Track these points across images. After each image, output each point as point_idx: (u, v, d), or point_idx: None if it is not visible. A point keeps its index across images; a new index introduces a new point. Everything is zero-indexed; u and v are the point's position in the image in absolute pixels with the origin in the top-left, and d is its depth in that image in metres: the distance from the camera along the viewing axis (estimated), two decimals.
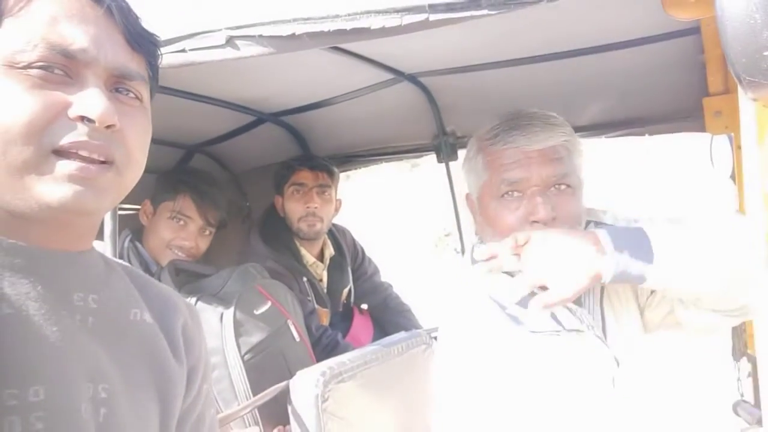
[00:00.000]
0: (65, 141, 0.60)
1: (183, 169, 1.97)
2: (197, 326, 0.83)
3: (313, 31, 0.82)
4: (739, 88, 0.57)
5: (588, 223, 1.14)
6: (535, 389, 1.01)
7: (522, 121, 1.10)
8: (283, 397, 1.38)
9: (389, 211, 9.84)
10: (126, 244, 1.72)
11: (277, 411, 1.41)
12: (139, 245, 1.73)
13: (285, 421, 1.41)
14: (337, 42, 0.85)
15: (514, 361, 1.03)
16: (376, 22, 0.78)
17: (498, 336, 1.05)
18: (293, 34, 0.83)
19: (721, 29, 0.48)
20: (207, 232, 1.80)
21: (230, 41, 0.89)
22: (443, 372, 1.16)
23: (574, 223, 1.06)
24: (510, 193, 1.07)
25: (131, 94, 0.67)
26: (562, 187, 1.06)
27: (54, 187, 0.60)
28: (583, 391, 1.01)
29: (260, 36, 0.86)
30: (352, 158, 2.39)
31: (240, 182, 2.45)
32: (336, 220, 2.33)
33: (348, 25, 0.79)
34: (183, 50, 0.93)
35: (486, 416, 1.03)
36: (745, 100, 0.60)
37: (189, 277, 1.62)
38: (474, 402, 1.05)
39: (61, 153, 0.60)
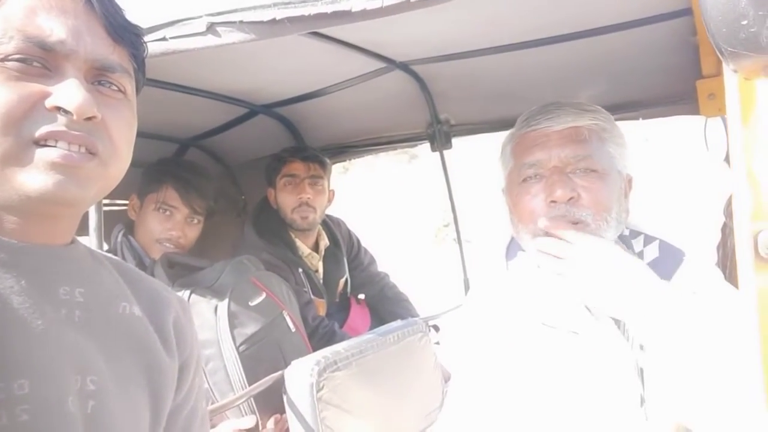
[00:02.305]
0: (43, 131, 0.59)
1: (166, 160, 1.96)
2: (188, 320, 0.83)
3: (294, 16, 0.81)
4: (723, 62, 0.56)
5: (638, 234, 1.10)
6: (547, 387, 0.97)
7: (551, 107, 1.06)
8: (280, 387, 1.39)
9: (389, 203, 9.83)
10: (119, 238, 1.72)
11: (273, 400, 1.41)
12: (132, 239, 1.72)
13: (282, 411, 1.41)
14: (318, 26, 0.84)
15: (528, 355, 1.00)
16: (357, 4, 0.77)
17: (512, 327, 1.03)
18: (274, 19, 0.82)
19: None
20: (194, 221, 1.79)
21: (211, 28, 0.88)
22: (454, 363, 1.14)
23: (600, 211, 0.99)
24: (531, 176, 1.03)
25: (114, 87, 0.67)
26: (587, 170, 1.00)
27: (35, 176, 0.59)
28: (600, 400, 0.95)
29: (241, 22, 0.85)
30: (347, 149, 2.38)
31: (235, 175, 2.45)
32: (336, 212, 2.32)
33: (328, 9, 0.78)
34: (164, 38, 0.92)
35: (493, 412, 1.01)
36: (729, 74, 0.58)
37: (183, 270, 1.62)
38: (483, 396, 1.03)
39: (40, 144, 0.60)
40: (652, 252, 1.07)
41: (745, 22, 0.45)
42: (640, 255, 1.07)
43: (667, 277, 1.00)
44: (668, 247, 1.07)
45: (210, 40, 0.90)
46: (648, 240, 1.08)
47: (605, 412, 0.94)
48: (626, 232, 1.10)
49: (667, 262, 1.04)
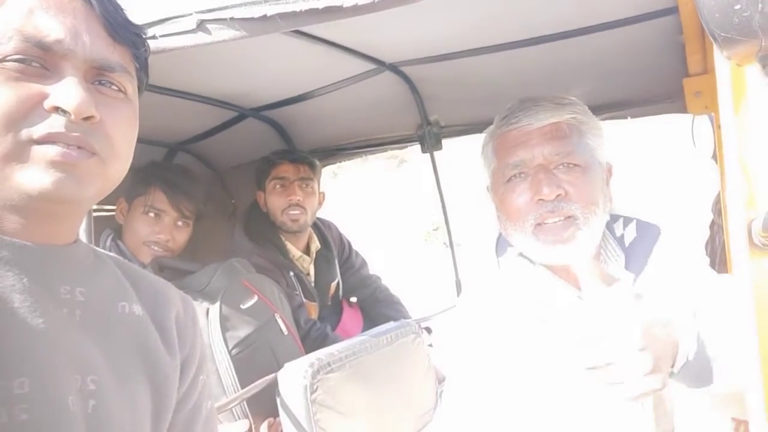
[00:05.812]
0: (42, 132, 0.59)
1: (154, 163, 1.95)
2: (190, 318, 0.83)
3: (285, 12, 0.81)
4: (715, 50, 0.56)
5: (617, 217, 1.11)
6: (544, 384, 0.98)
7: (528, 103, 1.08)
8: (272, 390, 1.37)
9: (379, 208, 9.85)
10: (108, 243, 1.69)
11: (266, 404, 1.40)
12: (120, 244, 1.70)
13: (275, 414, 1.41)
14: (309, 23, 0.84)
15: (523, 352, 1.00)
16: (348, 0, 0.77)
17: (507, 325, 1.03)
18: (264, 16, 0.82)
19: None
20: (183, 225, 1.78)
21: (201, 25, 0.87)
22: (449, 364, 1.15)
23: (587, 204, 1.01)
24: (516, 175, 1.05)
25: (114, 87, 0.66)
26: (571, 165, 1.02)
27: (34, 175, 0.59)
28: (596, 397, 0.92)
29: (231, 19, 0.84)
30: (337, 151, 2.38)
31: (225, 179, 2.43)
32: (326, 216, 2.31)
33: (320, 4, 0.78)
34: (154, 37, 0.91)
35: (491, 412, 1.01)
36: (721, 62, 0.59)
37: (173, 273, 1.61)
38: (480, 396, 1.03)
39: (39, 144, 0.59)
40: (631, 232, 1.10)
41: (738, 7, 0.45)
42: (622, 238, 1.10)
43: (647, 254, 1.05)
44: (644, 225, 1.10)
45: (200, 38, 0.89)
46: (626, 222, 1.12)
47: (602, 410, 0.94)
48: (607, 218, 1.12)
49: (646, 239, 1.07)
